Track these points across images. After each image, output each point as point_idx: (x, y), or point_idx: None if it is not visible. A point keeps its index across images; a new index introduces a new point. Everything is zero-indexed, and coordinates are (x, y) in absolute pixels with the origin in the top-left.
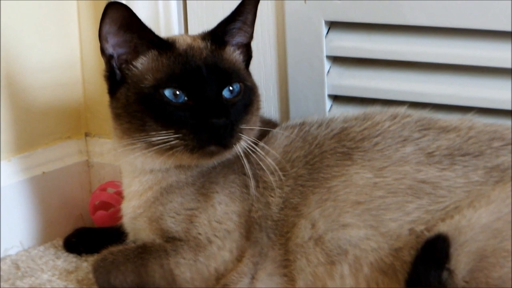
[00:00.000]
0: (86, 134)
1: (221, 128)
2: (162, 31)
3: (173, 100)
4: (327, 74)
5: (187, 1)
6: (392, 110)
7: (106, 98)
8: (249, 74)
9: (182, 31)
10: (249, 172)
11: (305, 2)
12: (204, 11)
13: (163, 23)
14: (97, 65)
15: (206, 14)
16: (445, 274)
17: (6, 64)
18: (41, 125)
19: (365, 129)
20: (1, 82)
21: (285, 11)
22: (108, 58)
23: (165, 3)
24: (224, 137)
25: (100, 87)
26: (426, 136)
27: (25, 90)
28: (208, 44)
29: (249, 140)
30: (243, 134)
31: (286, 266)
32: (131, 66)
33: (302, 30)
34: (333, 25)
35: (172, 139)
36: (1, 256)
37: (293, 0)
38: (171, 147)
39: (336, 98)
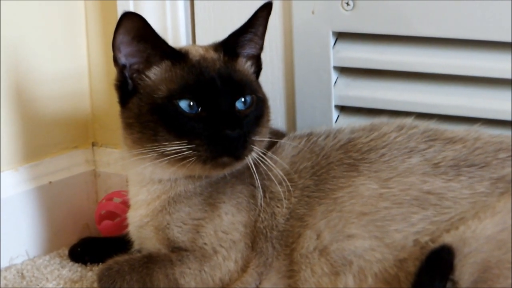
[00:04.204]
0: (93, 144)
1: (234, 139)
2: (169, 40)
3: (187, 111)
4: (334, 85)
5: (195, 9)
6: (399, 121)
7: (113, 108)
8: (260, 86)
9: (190, 40)
10: (258, 182)
11: (312, 13)
12: (212, 21)
13: (170, 32)
14: (105, 75)
15: (214, 23)
16: (449, 285)
17: (14, 74)
18: (48, 135)
19: (371, 140)
20: (9, 92)
21: (292, 22)
22: (120, 68)
23: (173, 11)
24: (237, 148)
25: (107, 98)
26: (432, 147)
27: (33, 100)
28: (221, 55)
29: (259, 151)
30: (254, 145)
31: (291, 277)
32: (144, 76)
33: (310, 41)
34: (340, 36)
35: (185, 149)
36: (7, 265)
37: (301, 11)
38: (184, 158)
39: (343, 109)
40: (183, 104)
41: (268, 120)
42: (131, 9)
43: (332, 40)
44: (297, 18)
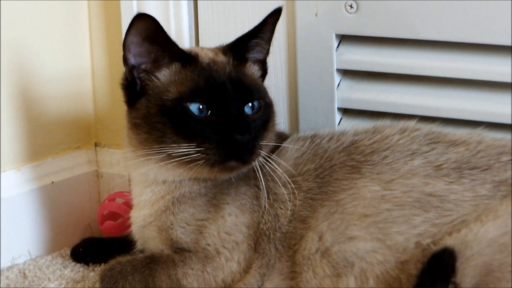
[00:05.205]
0: (96, 144)
1: (243, 144)
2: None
3: (197, 114)
4: (337, 87)
5: (199, 10)
6: (402, 123)
7: (116, 108)
8: (266, 91)
9: (193, 41)
10: (263, 185)
11: (316, 16)
12: (216, 22)
13: (173, 33)
14: (108, 76)
15: (218, 24)
16: None
17: (16, 75)
18: (51, 135)
19: (374, 142)
20: (12, 92)
21: (296, 24)
22: (130, 68)
23: (176, 11)
24: (245, 153)
25: (110, 98)
26: (435, 150)
27: (36, 100)
28: (230, 59)
29: (265, 155)
30: (261, 150)
31: (293, 278)
32: (153, 78)
33: (313, 43)
34: (343, 39)
35: (193, 152)
36: (9, 264)
37: (304, 14)
38: (192, 160)
39: (346, 111)
40: (193, 107)
41: (274, 125)
42: (135, 9)
43: (335, 43)
44: (301, 20)
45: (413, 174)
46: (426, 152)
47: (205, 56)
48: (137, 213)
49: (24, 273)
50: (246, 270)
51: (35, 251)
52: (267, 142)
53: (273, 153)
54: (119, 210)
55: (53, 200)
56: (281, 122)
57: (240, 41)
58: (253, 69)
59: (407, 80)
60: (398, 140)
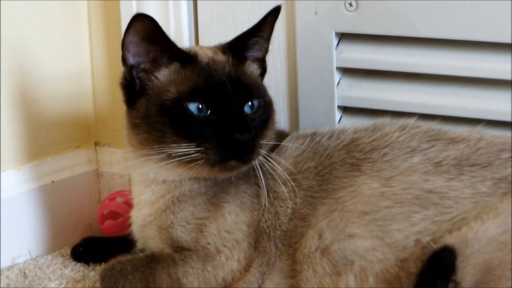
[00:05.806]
0: (96, 144)
1: (243, 144)
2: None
3: (196, 114)
4: (337, 86)
5: (198, 10)
6: (402, 121)
7: (116, 108)
8: (266, 89)
9: (193, 40)
10: (263, 183)
11: (315, 14)
12: (215, 22)
13: (173, 32)
14: (108, 75)
15: (217, 24)
16: (451, 286)
17: (16, 74)
18: (51, 134)
19: (374, 140)
20: (12, 92)
21: (295, 23)
22: (129, 68)
23: (176, 11)
24: (245, 153)
25: (110, 97)
26: (435, 147)
27: (36, 100)
28: (230, 58)
29: (265, 153)
30: (261, 149)
31: (293, 277)
32: (152, 77)
33: (313, 42)
34: (343, 37)
35: (193, 152)
36: (9, 264)
37: (304, 12)
38: (192, 160)
39: (346, 110)
40: (193, 106)
41: (274, 123)
42: (134, 9)
43: (335, 41)
44: (300, 19)
45: (413, 171)
46: (426, 149)
47: (204, 55)
48: (137, 213)
49: (24, 273)
50: (247, 268)
51: (35, 250)
52: (267, 140)
53: (273, 152)
54: (119, 209)
55: (53, 200)
56: (281, 120)
57: (239, 39)
58: (253, 68)
59: (406, 78)
60: (397, 137)
